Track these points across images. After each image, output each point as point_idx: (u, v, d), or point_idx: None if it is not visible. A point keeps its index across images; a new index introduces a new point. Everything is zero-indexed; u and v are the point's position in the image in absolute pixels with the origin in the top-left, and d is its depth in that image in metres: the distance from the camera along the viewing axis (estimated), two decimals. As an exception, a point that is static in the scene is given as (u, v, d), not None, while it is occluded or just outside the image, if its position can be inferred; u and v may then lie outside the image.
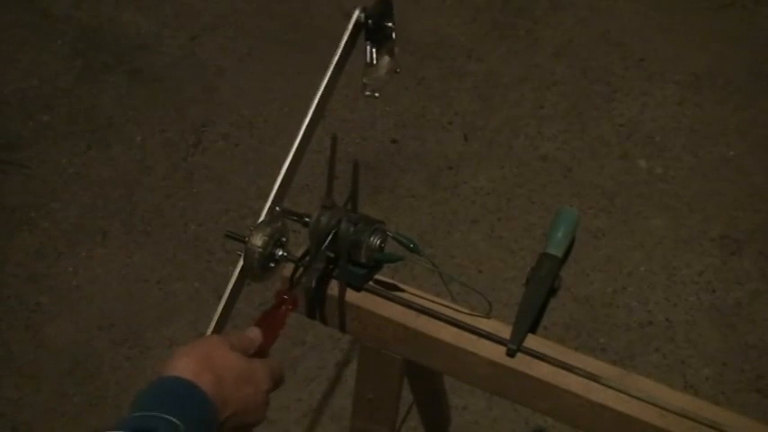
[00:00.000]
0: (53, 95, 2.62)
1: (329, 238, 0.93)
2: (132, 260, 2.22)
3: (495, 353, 0.96)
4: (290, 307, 0.91)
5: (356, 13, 0.99)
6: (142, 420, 0.68)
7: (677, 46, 2.68)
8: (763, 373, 1.96)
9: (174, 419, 0.69)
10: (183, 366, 0.75)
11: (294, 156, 1.00)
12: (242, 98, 2.60)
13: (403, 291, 1.01)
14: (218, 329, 0.96)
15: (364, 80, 1.03)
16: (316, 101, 1.00)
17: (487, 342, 0.97)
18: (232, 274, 0.96)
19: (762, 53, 2.65)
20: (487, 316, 0.98)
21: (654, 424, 0.90)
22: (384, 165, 2.40)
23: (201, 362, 0.76)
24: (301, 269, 0.97)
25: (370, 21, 0.99)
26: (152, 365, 2.02)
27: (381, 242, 0.96)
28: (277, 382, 0.84)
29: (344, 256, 0.95)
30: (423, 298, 1.00)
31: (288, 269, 0.99)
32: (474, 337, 0.97)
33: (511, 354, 0.95)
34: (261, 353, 0.85)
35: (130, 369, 2.02)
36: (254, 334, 0.85)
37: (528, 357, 0.95)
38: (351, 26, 1.00)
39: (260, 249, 0.92)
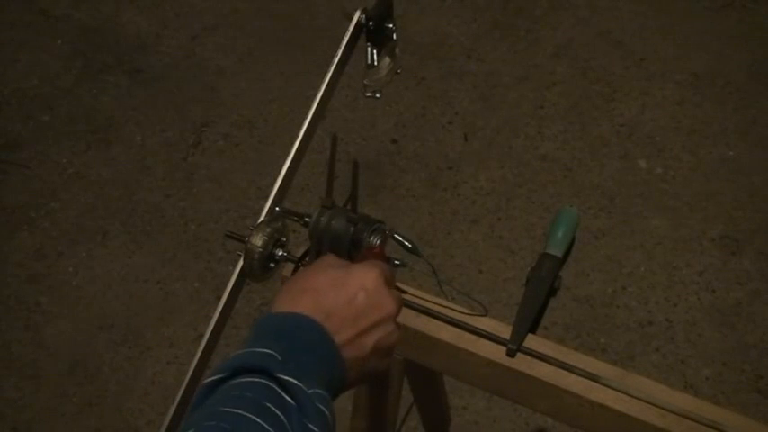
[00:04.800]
0: (53, 95, 2.63)
1: (329, 238, 0.93)
2: (132, 260, 2.23)
3: (495, 353, 0.96)
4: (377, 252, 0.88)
5: (357, 15, 0.99)
6: (236, 360, 0.66)
7: (677, 46, 2.68)
8: (763, 373, 1.96)
9: (267, 350, 0.66)
10: (279, 302, 0.72)
11: (294, 156, 1.00)
12: (242, 98, 2.60)
13: (403, 291, 1.01)
14: (218, 329, 0.96)
15: (365, 81, 1.03)
16: (316, 101, 1.00)
17: (487, 342, 0.97)
18: (232, 274, 0.96)
19: (762, 53, 2.65)
20: (485, 315, 0.99)
21: (654, 424, 0.90)
22: (384, 165, 2.41)
23: (293, 287, 0.73)
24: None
25: (370, 22, 0.99)
26: (152, 365, 2.03)
27: (381, 242, 0.96)
28: (387, 275, 0.77)
29: (344, 256, 0.95)
30: (423, 298, 1.00)
31: (288, 269, 0.99)
32: (474, 337, 0.97)
33: (511, 354, 0.95)
34: None
35: (130, 369, 2.02)
36: None
37: (528, 357, 0.95)
38: (351, 27, 1.00)
39: (260, 249, 0.92)
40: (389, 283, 0.77)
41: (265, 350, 0.66)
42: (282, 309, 0.71)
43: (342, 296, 0.72)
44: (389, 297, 0.75)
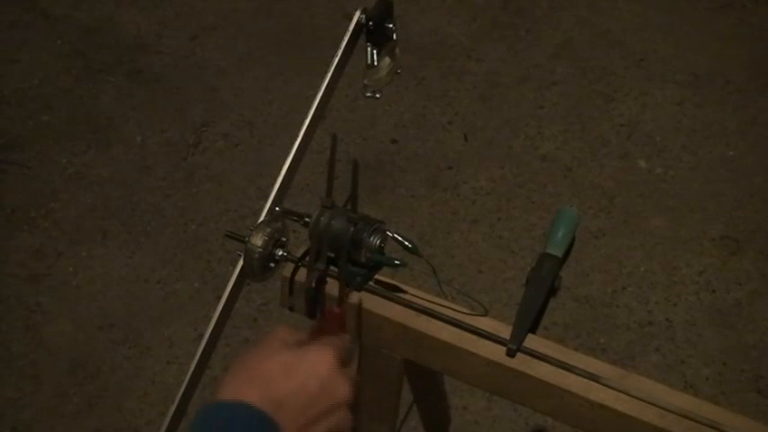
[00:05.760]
0: (53, 95, 2.63)
1: (329, 238, 0.93)
2: (132, 260, 2.23)
3: (495, 353, 0.96)
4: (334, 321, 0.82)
5: (357, 15, 0.99)
6: None
7: (677, 46, 2.68)
8: (763, 373, 1.96)
9: None
10: (225, 387, 0.68)
11: (294, 156, 1.00)
12: (242, 98, 2.60)
13: (403, 291, 1.01)
14: (218, 329, 0.96)
15: (365, 81, 1.03)
16: (316, 101, 1.00)
17: (487, 342, 0.97)
18: (232, 274, 0.96)
19: (762, 53, 2.65)
20: (485, 315, 0.99)
21: (654, 424, 0.90)
22: (384, 165, 2.41)
23: (242, 374, 0.69)
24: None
25: (370, 22, 0.99)
26: (152, 365, 2.03)
27: (381, 242, 0.96)
28: (342, 355, 0.73)
29: (344, 256, 0.95)
30: (423, 298, 1.00)
31: (288, 269, 0.99)
32: (474, 337, 0.97)
33: (511, 354, 0.95)
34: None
35: (130, 369, 2.02)
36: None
37: (528, 357, 0.95)
38: (351, 27, 1.00)
39: (260, 249, 0.92)
40: (345, 362, 0.73)
41: None
42: (228, 396, 0.67)
43: (293, 383, 0.68)
44: (343, 382, 0.71)
